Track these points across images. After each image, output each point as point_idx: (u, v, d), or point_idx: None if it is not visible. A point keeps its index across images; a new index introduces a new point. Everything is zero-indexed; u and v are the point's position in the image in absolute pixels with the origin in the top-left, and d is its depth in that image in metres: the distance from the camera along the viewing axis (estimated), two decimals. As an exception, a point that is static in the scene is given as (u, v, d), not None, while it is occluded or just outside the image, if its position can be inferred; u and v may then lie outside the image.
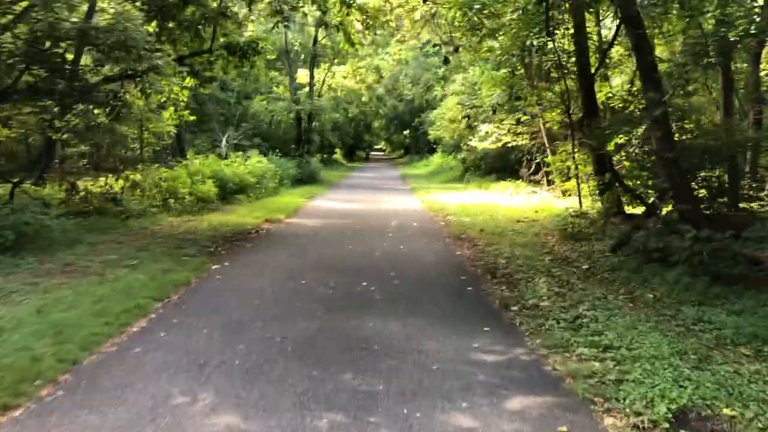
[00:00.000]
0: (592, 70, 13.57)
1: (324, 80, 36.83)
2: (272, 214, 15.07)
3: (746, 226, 8.36)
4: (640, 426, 3.92)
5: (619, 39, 13.95)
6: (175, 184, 15.75)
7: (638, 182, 12.06)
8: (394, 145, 73.57)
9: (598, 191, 13.20)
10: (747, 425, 3.88)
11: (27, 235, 9.28)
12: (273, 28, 17.58)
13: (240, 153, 22.51)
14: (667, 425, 3.91)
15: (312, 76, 33.58)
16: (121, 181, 14.92)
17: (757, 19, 12.00)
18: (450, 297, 7.43)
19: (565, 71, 14.32)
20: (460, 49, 17.52)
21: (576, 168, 14.73)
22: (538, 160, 22.73)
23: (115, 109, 12.87)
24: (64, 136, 14.37)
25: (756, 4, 11.67)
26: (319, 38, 32.60)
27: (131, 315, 6.12)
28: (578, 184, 14.81)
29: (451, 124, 29.81)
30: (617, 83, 16.84)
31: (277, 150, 26.56)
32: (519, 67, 15.85)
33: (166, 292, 7.21)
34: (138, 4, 13.46)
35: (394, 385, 4.50)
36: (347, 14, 17.11)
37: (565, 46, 14.60)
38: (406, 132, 60.51)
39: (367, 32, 20.84)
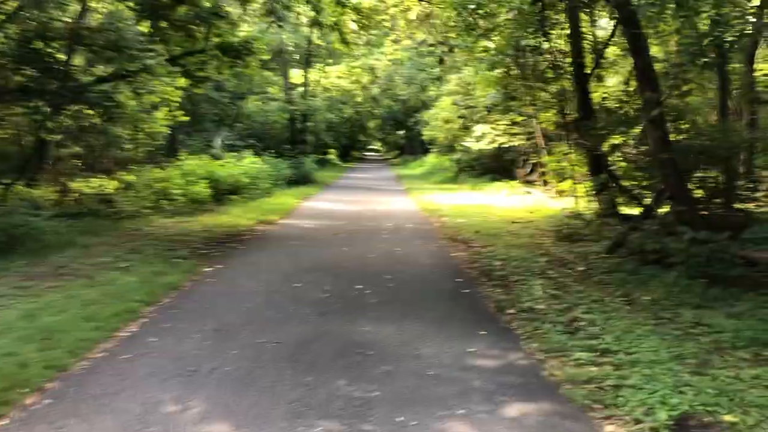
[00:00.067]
0: (588, 71, 13.53)
1: (318, 80, 36.72)
2: (266, 216, 14.98)
3: (743, 227, 8.33)
4: (641, 434, 3.86)
5: (614, 39, 13.92)
6: (168, 185, 15.63)
7: (634, 183, 12.01)
8: (388, 145, 73.44)
9: (593, 192, 13.15)
10: (749, 432, 3.82)
11: (18, 237, 9.17)
12: (267, 28, 17.48)
13: (234, 153, 22.38)
14: (667, 432, 3.84)
15: (306, 76, 33.47)
16: (114, 182, 14.81)
17: (752, 20, 11.99)
18: (445, 300, 7.35)
19: (561, 71, 14.28)
20: (455, 49, 17.45)
21: (571, 168, 14.69)
22: (533, 161, 22.70)
23: (108, 110, 12.75)
24: (57, 137, 14.26)
25: (750, 5, 11.64)
26: (314, 38, 32.49)
27: (121, 319, 6.01)
28: (574, 184, 14.76)
29: (446, 124, 29.74)
30: (612, 83, 16.81)
31: (271, 150, 26.42)
32: (514, 68, 15.81)
33: (158, 295, 7.10)
34: (131, 4, 13.36)
35: (390, 392, 4.42)
36: (342, 14, 17.03)
37: (561, 47, 14.57)
38: (400, 132, 60.45)
39: (361, 32, 20.75)
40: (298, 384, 4.55)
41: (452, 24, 16.39)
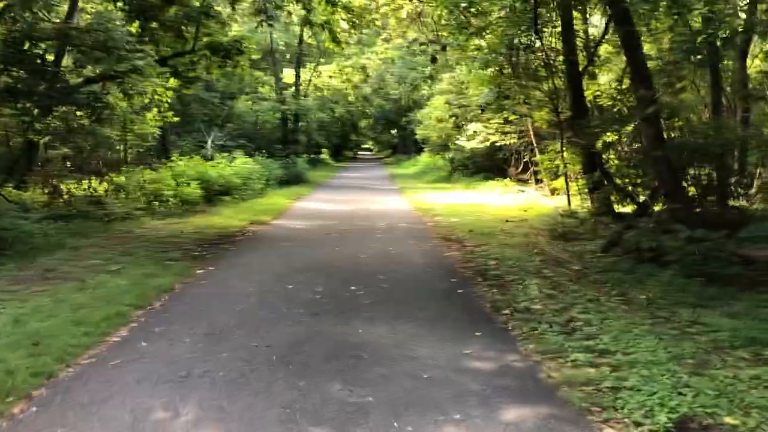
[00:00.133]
0: (580, 68, 13.48)
1: (310, 80, 36.60)
2: (258, 216, 14.88)
3: (737, 224, 8.29)
4: (640, 437, 3.79)
5: (607, 37, 13.88)
6: (159, 186, 15.52)
7: (627, 180, 11.98)
8: (381, 144, 73.36)
9: (587, 190, 13.11)
10: (750, 434, 3.75)
11: (6, 240, 9.05)
12: (257, 27, 17.37)
13: (225, 154, 22.26)
14: (668, 436, 3.78)
15: (298, 76, 33.37)
16: (104, 184, 14.67)
17: (743, 16, 11.97)
18: (440, 300, 7.27)
19: (553, 69, 14.23)
20: (447, 47, 17.37)
21: (564, 166, 14.65)
22: (526, 159, 22.68)
23: (96, 111, 12.63)
24: (46, 138, 14.11)
25: (743, 2, 11.63)
26: (305, 37, 32.39)
27: (111, 324, 5.90)
28: (567, 182, 14.72)
29: (439, 123, 29.69)
30: (604, 81, 16.77)
31: (263, 151, 26.31)
32: (506, 66, 15.76)
33: (149, 298, 6.99)
34: (120, 4, 13.25)
35: (384, 396, 4.33)
36: (332, 13, 16.94)
37: (553, 44, 14.52)
38: (393, 132, 60.39)
39: (352, 31, 20.67)
40: (291, 388, 4.46)
41: (444, 22, 16.32)
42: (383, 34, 29.01)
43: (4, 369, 4.56)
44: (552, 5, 13.44)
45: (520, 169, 23.50)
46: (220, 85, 28.58)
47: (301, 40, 32.44)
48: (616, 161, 12.87)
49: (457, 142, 26.63)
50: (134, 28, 13.56)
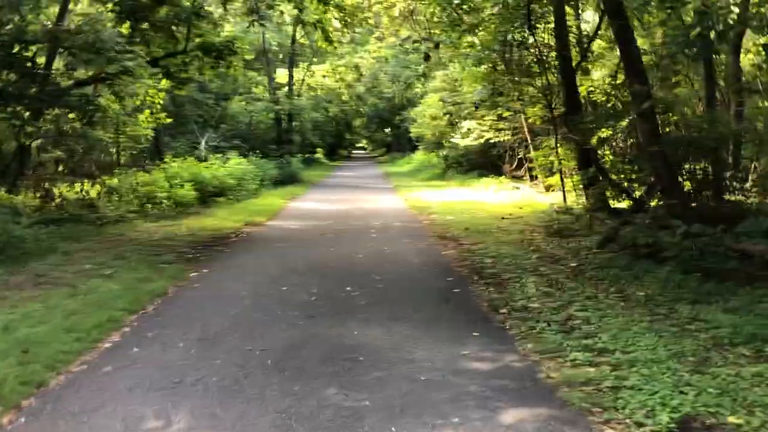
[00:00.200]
0: (574, 64, 13.42)
1: (303, 79, 36.49)
2: (252, 217, 14.78)
3: (733, 219, 8.23)
4: (642, 437, 3.73)
5: (600, 32, 13.84)
6: (152, 188, 15.39)
7: (622, 176, 11.93)
8: (375, 143, 73.28)
9: (582, 186, 13.05)
10: (754, 434, 3.69)
11: (-4, 245, 8.94)
12: (249, 26, 17.26)
13: (219, 155, 22.13)
14: (670, 436, 3.71)
15: (291, 76, 33.27)
16: (97, 187, 14.55)
17: (736, 10, 11.92)
18: (436, 300, 7.20)
19: (546, 66, 14.18)
20: (440, 45, 17.31)
21: (559, 163, 14.60)
22: (520, 156, 22.63)
23: (88, 113, 12.52)
24: (38, 141, 13.99)
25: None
26: (297, 37, 32.28)
27: (103, 329, 5.80)
28: (562, 179, 14.67)
29: (433, 121, 29.62)
30: (598, 77, 16.72)
31: (257, 151, 26.19)
32: (499, 63, 15.69)
33: (142, 302, 6.89)
34: (110, 6, 13.13)
35: (381, 400, 4.26)
36: (325, 12, 16.84)
37: (546, 40, 14.46)
38: (387, 130, 60.29)
39: (345, 30, 20.57)
40: (286, 393, 4.38)
41: (436, 20, 16.25)
42: (376, 33, 28.91)
43: (-7, 378, 4.48)
44: (545, 1, 13.38)
45: (514, 166, 23.45)
46: (213, 86, 28.45)
47: (293, 40, 32.32)
48: (611, 157, 12.81)
49: (451, 139, 26.57)
50: (125, 29, 13.45)
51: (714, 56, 12.30)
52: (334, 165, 45.95)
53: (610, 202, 12.26)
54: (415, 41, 21.80)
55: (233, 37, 16.18)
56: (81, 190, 14.05)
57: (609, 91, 13.52)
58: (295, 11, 17.48)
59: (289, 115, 31.77)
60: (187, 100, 25.13)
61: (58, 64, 13.79)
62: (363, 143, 79.78)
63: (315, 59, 36.42)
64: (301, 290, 7.55)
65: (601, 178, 12.21)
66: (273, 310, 6.68)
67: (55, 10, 13.93)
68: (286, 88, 32.93)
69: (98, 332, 5.70)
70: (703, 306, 6.18)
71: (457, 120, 25.76)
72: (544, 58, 14.15)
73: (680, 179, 9.88)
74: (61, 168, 16.56)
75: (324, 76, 38.90)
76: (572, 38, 14.19)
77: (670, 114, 11.40)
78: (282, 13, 20.31)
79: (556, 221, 11.79)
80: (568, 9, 13.92)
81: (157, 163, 18.84)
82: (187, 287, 7.84)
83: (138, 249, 10.25)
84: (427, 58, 18.80)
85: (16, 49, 11.65)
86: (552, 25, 13.66)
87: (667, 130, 11.42)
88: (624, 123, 11.79)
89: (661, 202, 9.31)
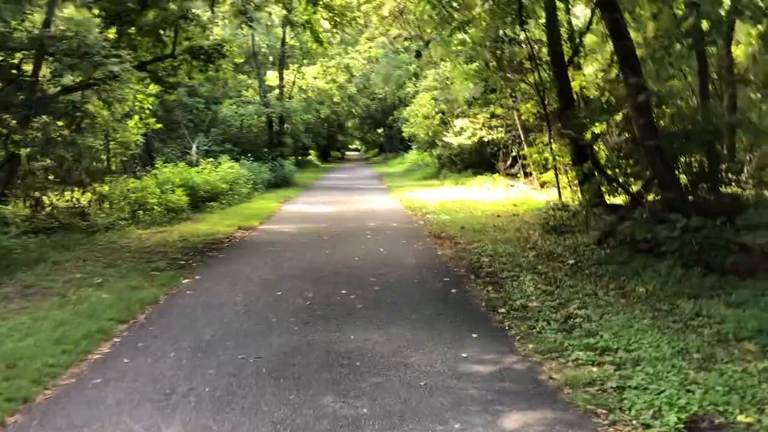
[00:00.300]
0: (566, 59, 13.31)
1: (294, 81, 36.31)
2: (245, 221, 14.62)
3: (732, 211, 8.12)
4: (650, 439, 3.60)
5: (591, 27, 13.72)
6: (143, 194, 15.19)
7: (618, 171, 11.81)
8: (368, 144, 73.15)
9: (578, 182, 12.94)
10: (765, 432, 3.57)
11: (-16, 257, 8.77)
12: (237, 28, 17.10)
13: (211, 159, 21.95)
14: (679, 437, 3.59)
15: (281, 78, 33.08)
16: (88, 195, 14.35)
17: (728, 1, 11.82)
18: (434, 301, 7.07)
19: (538, 61, 14.06)
20: (431, 43, 17.16)
21: (554, 159, 14.48)
22: (514, 153, 22.52)
23: (75, 120, 12.33)
24: (27, 150, 13.78)
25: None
26: (287, 39, 32.11)
27: (93, 340, 5.65)
28: (557, 175, 14.56)
29: (425, 120, 29.49)
30: (590, 72, 16.62)
31: (249, 154, 26.02)
32: (491, 60, 15.56)
33: (133, 312, 6.74)
34: (95, 11, 12.94)
35: (379, 407, 4.12)
36: (314, 12, 16.69)
37: (537, 36, 14.35)
38: (380, 131, 60.16)
39: (334, 30, 20.42)
40: (282, 402, 4.25)
41: (427, 17, 16.12)
42: (366, 33, 28.75)
43: (-22, 395, 4.33)
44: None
45: (508, 164, 23.33)
46: (204, 90, 28.28)
47: (283, 42, 32.13)
48: (606, 152, 12.69)
49: (444, 138, 26.44)
50: (111, 33, 13.26)
51: (707, 48, 12.21)
52: (327, 167, 45.80)
53: (606, 197, 12.14)
54: (405, 39, 21.69)
55: (222, 40, 16.01)
56: (71, 198, 13.86)
57: (602, 85, 13.41)
58: (284, 12, 17.31)
59: (280, 117, 31.57)
60: (177, 105, 24.93)
61: (45, 71, 13.60)
62: (356, 144, 79.63)
63: (305, 61, 36.22)
64: (295, 295, 7.41)
65: (596, 173, 12.09)
66: (267, 316, 6.54)
67: (41, 17, 13.74)
68: (277, 91, 32.74)
69: (87, 343, 5.55)
70: (706, 301, 6.08)
71: (449, 119, 25.64)
72: (536, 53, 14.03)
73: (677, 173, 9.77)
74: (51, 176, 16.36)
75: (315, 78, 38.69)
76: (564, 33, 14.08)
77: (665, 107, 11.30)
78: (270, 14, 20.14)
79: (552, 218, 11.68)
80: (559, 4, 13.80)
81: (148, 169, 18.65)
82: (179, 295, 7.68)
83: (129, 257, 10.09)
84: (418, 55, 18.63)
85: (0, 57, 11.46)
86: (543, 21, 13.54)
87: (662, 123, 11.32)
88: (618, 117, 11.68)
89: (659, 197, 9.18)
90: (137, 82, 13.63)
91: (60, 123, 13.00)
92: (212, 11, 15.30)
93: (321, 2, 16.44)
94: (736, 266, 6.81)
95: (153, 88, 15.94)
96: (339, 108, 46.37)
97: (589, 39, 14.81)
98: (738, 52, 13.92)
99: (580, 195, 12.77)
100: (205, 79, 23.49)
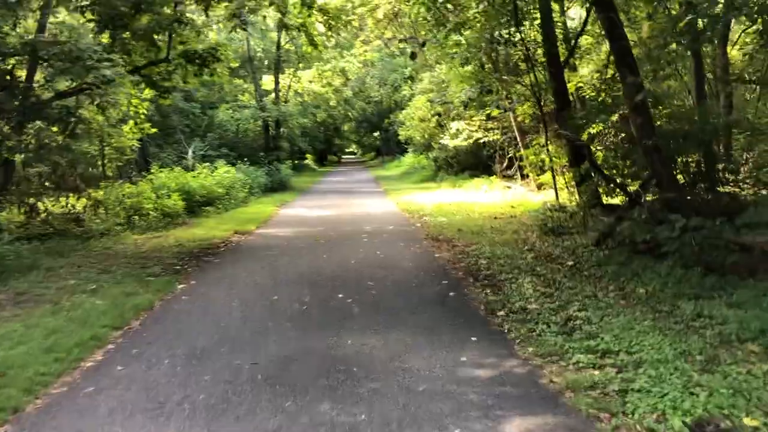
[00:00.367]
0: (561, 60, 13.26)
1: (290, 85, 36.25)
2: (242, 226, 14.53)
3: (731, 211, 8.05)
4: (655, 444, 3.53)
5: (587, 28, 13.68)
6: (139, 200, 15.11)
7: (615, 171, 11.75)
8: (365, 147, 73.10)
9: (575, 183, 12.88)
10: (772, 436, 3.49)
11: (-24, 264, 8.68)
12: (230, 31, 17.03)
13: (207, 164, 21.87)
14: (684, 441, 3.51)
15: (277, 82, 33.01)
16: (83, 200, 14.26)
17: (722, 1, 11.79)
18: (432, 305, 6.98)
19: (534, 62, 14.01)
20: (426, 45, 17.12)
21: (550, 160, 14.42)
22: (510, 155, 22.46)
23: (69, 126, 12.24)
24: (22, 156, 13.68)
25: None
26: (283, 43, 32.07)
27: (86, 348, 5.57)
28: (554, 176, 14.50)
29: (421, 123, 29.42)
30: (586, 73, 16.58)
31: (246, 159, 25.95)
32: (487, 62, 15.52)
33: (127, 318, 6.66)
34: (88, 15, 12.85)
35: (378, 414, 4.04)
36: (308, 15, 16.63)
37: (532, 37, 14.30)
38: (376, 134, 60.11)
39: (329, 33, 20.37)
40: (278, 410, 4.16)
41: (422, 19, 16.07)
42: (361, 36, 28.72)
43: (-33, 405, 4.24)
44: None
45: (505, 166, 23.27)
46: (199, 94, 28.20)
47: (279, 46, 32.07)
48: (603, 152, 12.63)
49: (440, 141, 26.38)
50: (105, 38, 13.18)
51: (702, 48, 12.18)
52: (324, 170, 45.74)
53: (603, 198, 12.08)
54: (401, 40, 21.65)
55: (217, 44, 15.93)
56: (66, 204, 13.76)
57: (598, 85, 13.37)
58: (278, 15, 17.23)
59: (276, 121, 31.50)
60: (173, 110, 24.85)
61: (39, 76, 13.51)
62: (353, 148, 79.58)
63: (301, 65, 36.15)
64: (292, 300, 7.32)
65: (593, 174, 12.03)
66: (263, 321, 6.46)
67: (34, 23, 13.66)
68: (273, 95, 32.67)
69: (80, 351, 5.47)
70: (707, 301, 6.00)
71: (445, 121, 25.58)
72: (532, 55, 13.99)
73: (674, 172, 9.71)
74: (45, 182, 16.25)
75: (310, 82, 38.62)
76: (559, 34, 14.03)
77: (661, 107, 11.25)
78: (265, 17, 20.07)
79: (550, 219, 11.61)
80: (554, 5, 13.76)
81: (144, 174, 18.56)
82: (174, 300, 7.59)
83: (124, 262, 10.01)
84: (413, 56, 18.60)
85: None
86: (538, 22, 13.49)
87: (659, 123, 11.27)
88: (615, 117, 11.62)
89: (657, 197, 9.11)
90: (132, 86, 13.54)
91: (54, 128, 12.90)
92: (207, 15, 15.22)
93: (315, 5, 16.40)
94: (737, 266, 6.74)
95: (148, 93, 15.86)
96: (335, 111, 46.35)
97: (585, 40, 14.78)
98: (734, 52, 13.90)
99: (577, 196, 12.71)
100: (201, 84, 23.41)
